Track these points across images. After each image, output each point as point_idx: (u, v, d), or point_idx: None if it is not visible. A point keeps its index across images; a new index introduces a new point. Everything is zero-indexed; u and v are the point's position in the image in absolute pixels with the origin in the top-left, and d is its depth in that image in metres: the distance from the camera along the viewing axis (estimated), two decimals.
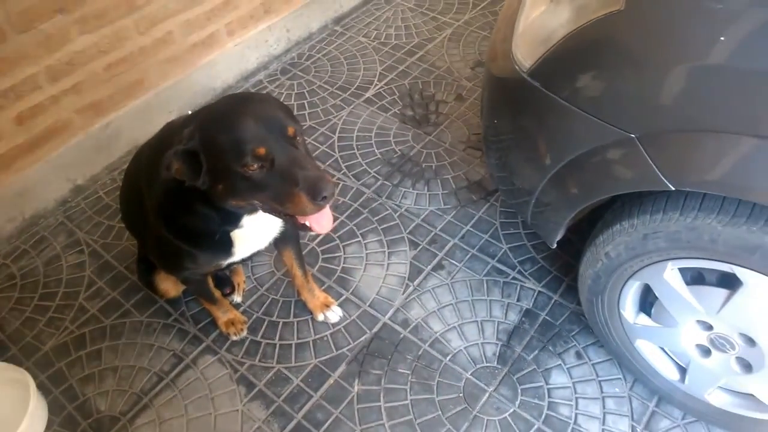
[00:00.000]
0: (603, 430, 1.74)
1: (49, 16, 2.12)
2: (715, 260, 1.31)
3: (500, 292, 2.06)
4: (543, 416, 1.77)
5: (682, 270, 1.42)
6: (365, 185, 2.45)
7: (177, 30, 2.56)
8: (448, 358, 1.91)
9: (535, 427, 1.75)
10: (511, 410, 1.79)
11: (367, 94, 2.87)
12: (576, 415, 1.77)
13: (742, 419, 1.56)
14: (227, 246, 1.57)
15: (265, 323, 2.05)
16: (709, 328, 1.45)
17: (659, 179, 1.23)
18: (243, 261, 1.82)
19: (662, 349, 1.65)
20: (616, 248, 1.47)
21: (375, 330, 2.00)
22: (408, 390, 1.85)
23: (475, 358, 1.91)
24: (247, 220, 1.48)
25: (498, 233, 2.24)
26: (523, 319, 1.99)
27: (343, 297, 2.09)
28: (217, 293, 1.96)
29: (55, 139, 2.36)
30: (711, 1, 1.08)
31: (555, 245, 1.72)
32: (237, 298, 2.10)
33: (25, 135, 2.25)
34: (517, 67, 1.43)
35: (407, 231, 2.27)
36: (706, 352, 1.51)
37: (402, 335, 1.98)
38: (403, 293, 2.09)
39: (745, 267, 1.26)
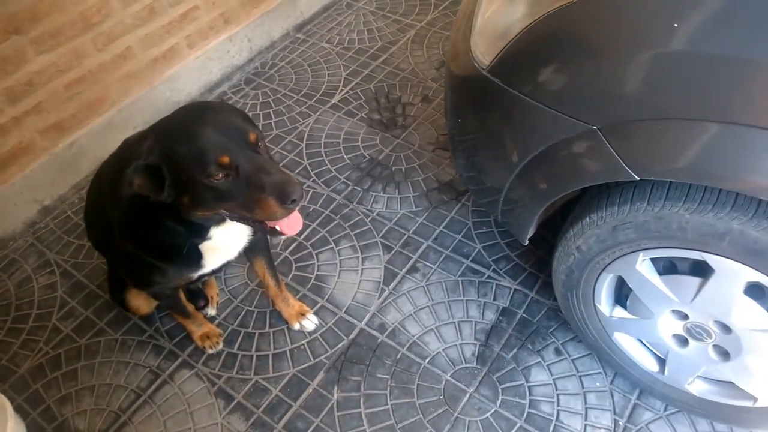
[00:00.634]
0: (586, 425, 1.73)
1: (3, 38, 2.08)
2: (686, 248, 1.31)
3: (476, 292, 2.06)
4: (525, 414, 1.76)
5: (653, 260, 1.42)
6: (335, 191, 2.43)
7: (136, 45, 2.52)
8: (426, 360, 1.90)
9: (518, 425, 1.74)
10: (493, 410, 1.78)
11: (333, 100, 2.85)
12: (558, 411, 1.76)
13: (724, 407, 1.56)
14: (196, 258, 1.55)
15: (241, 335, 2.02)
16: (685, 317, 1.45)
17: (623, 169, 1.23)
18: (214, 273, 1.79)
19: (640, 341, 1.65)
20: (587, 241, 1.47)
21: (352, 336, 1.98)
22: (388, 395, 1.83)
23: (454, 359, 1.89)
24: (215, 232, 1.46)
25: (471, 233, 2.23)
26: (501, 317, 1.99)
27: (319, 305, 2.07)
28: (191, 307, 1.94)
29: (20, 161, 2.32)
30: None
31: (527, 242, 1.72)
32: (211, 311, 2.07)
33: None
34: (476, 65, 1.42)
35: (380, 235, 2.26)
36: (683, 341, 1.51)
37: (379, 340, 1.96)
38: (379, 298, 2.07)
39: (715, 254, 1.26)
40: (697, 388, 1.58)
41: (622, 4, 1.15)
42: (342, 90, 2.90)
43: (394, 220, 2.30)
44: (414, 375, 1.86)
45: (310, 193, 2.43)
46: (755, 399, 1.47)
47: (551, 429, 1.73)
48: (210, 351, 1.96)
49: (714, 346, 1.45)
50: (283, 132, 2.71)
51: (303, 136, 2.69)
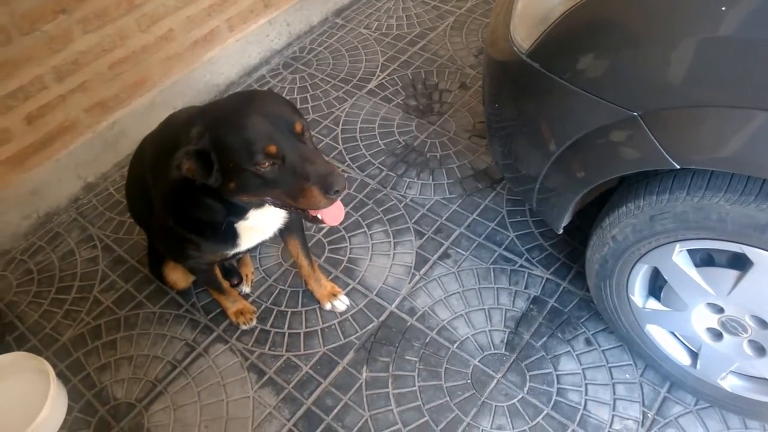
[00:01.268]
0: (613, 416, 1.73)
1: (52, 17, 2.14)
2: (725, 240, 1.28)
3: (508, 280, 2.05)
4: (552, 402, 1.76)
5: (690, 252, 1.40)
6: (370, 176, 2.45)
7: (178, 27, 2.57)
8: (455, 345, 1.91)
9: (544, 413, 1.74)
10: (520, 396, 1.78)
11: (370, 86, 2.86)
12: (586, 401, 1.76)
13: (757, 404, 1.53)
14: (232, 237, 1.59)
15: (274, 313, 2.07)
16: (720, 310, 1.42)
17: (664, 158, 1.21)
18: (249, 251, 1.83)
19: (673, 333, 1.63)
20: (622, 231, 1.46)
21: (382, 318, 2.00)
22: (416, 377, 1.85)
23: (483, 345, 1.90)
24: (253, 213, 1.50)
25: (505, 221, 2.23)
26: (531, 306, 1.98)
27: (350, 287, 2.10)
28: (226, 284, 1.98)
29: (65, 138, 2.40)
30: None
31: (561, 231, 1.70)
32: (245, 288, 2.12)
33: (36, 134, 2.29)
34: (516, 49, 1.42)
35: (412, 221, 2.27)
36: (717, 335, 1.48)
37: (409, 323, 1.98)
38: (410, 282, 2.08)
39: (755, 246, 1.23)
40: (729, 383, 1.56)
41: None
42: (379, 76, 2.90)
43: (427, 206, 2.31)
44: (442, 359, 1.88)
45: (344, 177, 2.45)
46: None
47: (578, 418, 1.73)
48: (244, 327, 2.01)
49: (749, 341, 1.42)
50: (320, 116, 2.74)
51: (339, 120, 2.71)
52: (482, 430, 1.72)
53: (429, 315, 1.99)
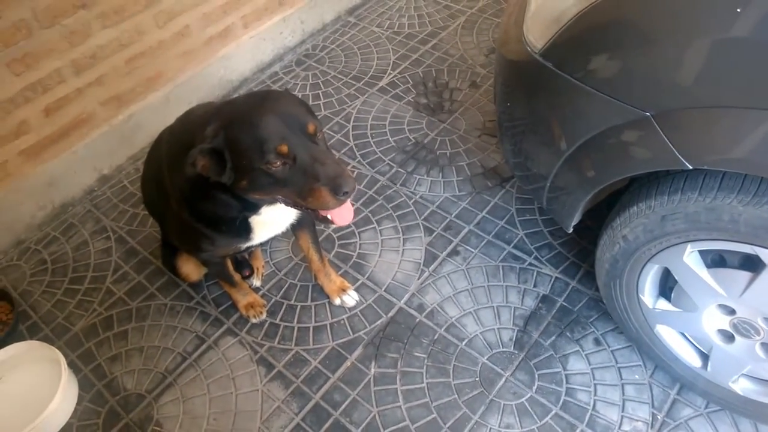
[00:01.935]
0: (622, 416, 1.72)
1: (72, 12, 2.17)
2: (737, 241, 1.28)
3: (516, 278, 2.06)
4: (561, 402, 1.76)
5: (702, 252, 1.39)
6: (380, 173, 2.46)
7: (194, 23, 2.60)
8: (464, 342, 1.91)
9: (553, 412, 1.75)
10: (528, 395, 1.78)
11: (381, 83, 2.87)
12: (594, 401, 1.76)
13: None
14: (246, 231, 1.61)
15: (284, 306, 2.08)
16: (732, 312, 1.42)
17: (676, 158, 1.21)
18: (261, 245, 1.84)
19: (683, 334, 1.62)
20: (633, 231, 1.46)
21: (391, 314, 2.01)
22: (424, 373, 1.86)
23: (492, 343, 1.91)
24: (266, 209, 1.52)
25: (514, 219, 2.23)
26: (540, 304, 1.98)
27: (359, 282, 2.11)
28: (237, 276, 2.00)
29: (81, 130, 2.43)
30: None
31: (571, 230, 1.71)
32: (256, 281, 2.14)
33: (53, 126, 2.32)
34: (529, 49, 1.42)
35: (422, 217, 2.28)
36: (729, 337, 1.48)
37: (418, 320, 1.98)
38: (419, 279, 2.09)
39: None
40: (741, 386, 1.55)
41: None
42: (390, 74, 2.91)
43: (436, 203, 2.32)
44: (450, 356, 1.89)
45: (355, 173, 2.47)
46: None
47: (587, 418, 1.73)
48: (253, 320, 2.03)
49: (762, 343, 1.41)
50: (331, 113, 2.75)
51: (350, 117, 2.72)
52: (490, 428, 1.73)
53: (438, 312, 2.00)
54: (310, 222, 1.88)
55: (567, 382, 1.80)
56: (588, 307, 1.96)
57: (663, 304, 1.57)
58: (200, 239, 1.62)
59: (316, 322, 2.03)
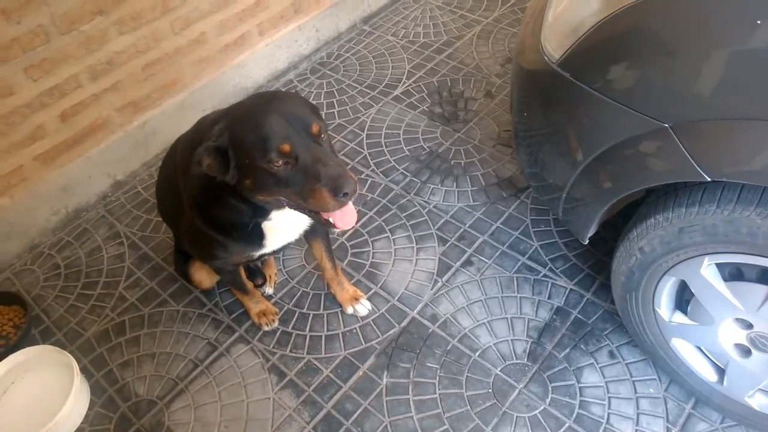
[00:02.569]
0: (636, 431, 1.70)
1: (89, 18, 2.19)
2: (755, 255, 1.26)
3: (531, 290, 2.04)
4: (574, 415, 1.74)
5: (719, 265, 1.38)
6: (394, 182, 2.46)
7: (210, 30, 2.62)
8: (477, 353, 1.90)
9: (566, 425, 1.73)
10: (542, 408, 1.77)
11: (396, 92, 2.88)
12: (609, 414, 1.74)
13: None
14: (259, 238, 1.61)
15: (296, 315, 2.08)
16: (749, 326, 1.40)
17: (695, 170, 1.20)
18: (274, 253, 1.84)
19: (699, 348, 1.61)
20: (650, 243, 1.44)
21: (404, 324, 2.00)
22: (437, 384, 1.84)
23: (505, 354, 1.89)
24: (275, 214, 1.52)
25: (529, 230, 2.22)
26: (554, 316, 1.97)
27: (372, 291, 2.10)
28: (250, 284, 2.00)
29: (97, 136, 2.45)
30: None
31: (587, 241, 1.70)
32: (269, 289, 2.14)
33: (69, 132, 2.34)
34: (546, 59, 1.42)
35: (436, 227, 2.27)
36: (745, 352, 1.46)
37: (431, 330, 1.97)
38: (432, 288, 2.08)
39: None
40: (758, 402, 1.53)
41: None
42: (405, 82, 2.92)
43: (450, 213, 2.31)
44: (463, 367, 1.87)
45: (368, 182, 2.47)
46: None
47: (601, 431, 1.70)
48: (266, 328, 2.03)
49: None
50: (345, 121, 2.76)
51: (364, 126, 2.73)
52: None
53: (451, 322, 1.98)
54: (323, 230, 1.88)
55: (581, 395, 1.78)
56: (603, 320, 1.94)
57: (679, 318, 1.56)
58: (213, 246, 1.63)
59: (328, 330, 2.02)
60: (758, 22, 1.04)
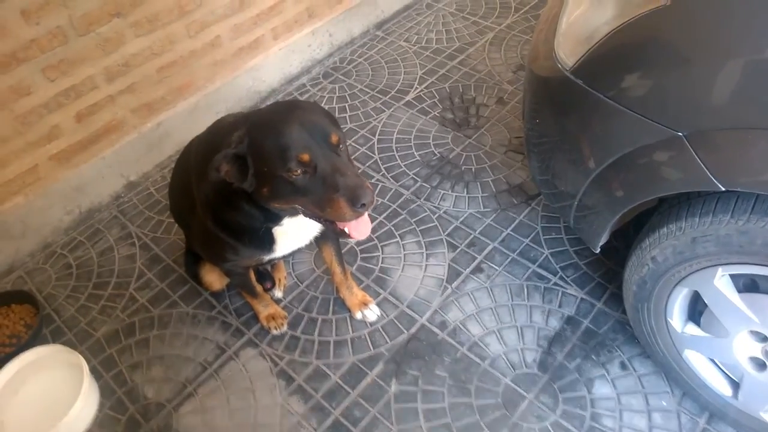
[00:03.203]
0: None
1: (107, 20, 2.22)
2: None
3: (541, 298, 2.03)
4: (585, 427, 1.72)
5: (733, 276, 1.36)
6: (404, 187, 2.45)
7: (224, 34, 2.64)
8: (486, 362, 1.89)
9: None
10: (552, 419, 1.74)
11: (407, 98, 2.88)
12: (620, 427, 1.71)
13: None
14: (269, 243, 1.61)
15: (305, 319, 2.08)
16: (765, 339, 1.38)
17: (708, 179, 1.18)
18: (284, 257, 1.85)
19: (713, 361, 1.58)
20: (663, 252, 1.43)
21: (412, 331, 1.99)
22: (445, 393, 1.83)
23: (515, 363, 1.87)
24: (287, 220, 1.52)
25: (539, 238, 2.20)
26: (565, 326, 1.95)
27: (381, 296, 2.10)
28: (259, 288, 2.00)
29: (111, 137, 2.47)
30: None
31: (599, 250, 1.68)
32: (278, 293, 2.14)
33: (84, 132, 2.37)
34: (559, 66, 1.41)
35: (446, 233, 2.26)
36: (761, 365, 1.43)
37: (440, 337, 1.96)
38: (441, 295, 2.07)
39: None
40: None
41: (719, 8, 1.11)
42: (417, 88, 2.92)
43: (460, 219, 2.30)
44: (473, 375, 1.86)
45: (379, 186, 2.47)
46: None
47: None
48: (274, 332, 2.02)
49: None
50: (357, 126, 2.76)
51: (375, 131, 2.73)
52: None
53: (460, 330, 1.97)
54: (334, 235, 1.88)
55: (592, 407, 1.76)
56: (614, 330, 1.92)
57: (692, 329, 1.53)
58: (224, 249, 1.63)
59: (336, 335, 2.01)
60: None
